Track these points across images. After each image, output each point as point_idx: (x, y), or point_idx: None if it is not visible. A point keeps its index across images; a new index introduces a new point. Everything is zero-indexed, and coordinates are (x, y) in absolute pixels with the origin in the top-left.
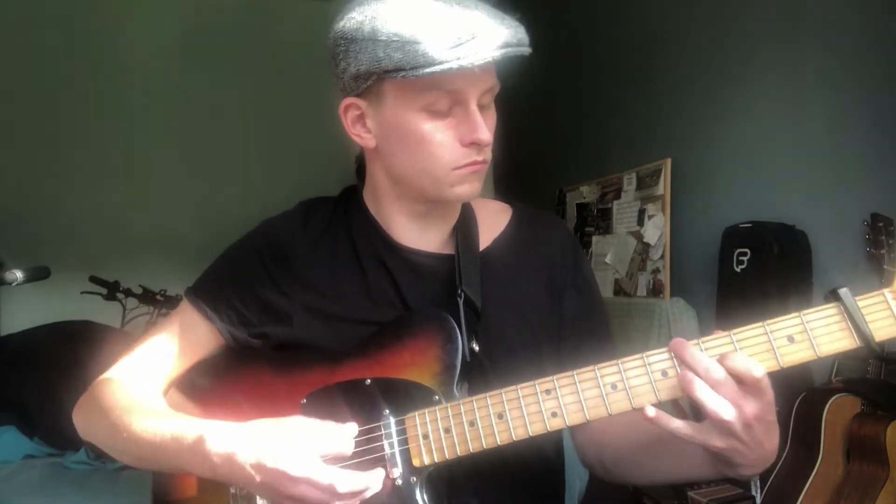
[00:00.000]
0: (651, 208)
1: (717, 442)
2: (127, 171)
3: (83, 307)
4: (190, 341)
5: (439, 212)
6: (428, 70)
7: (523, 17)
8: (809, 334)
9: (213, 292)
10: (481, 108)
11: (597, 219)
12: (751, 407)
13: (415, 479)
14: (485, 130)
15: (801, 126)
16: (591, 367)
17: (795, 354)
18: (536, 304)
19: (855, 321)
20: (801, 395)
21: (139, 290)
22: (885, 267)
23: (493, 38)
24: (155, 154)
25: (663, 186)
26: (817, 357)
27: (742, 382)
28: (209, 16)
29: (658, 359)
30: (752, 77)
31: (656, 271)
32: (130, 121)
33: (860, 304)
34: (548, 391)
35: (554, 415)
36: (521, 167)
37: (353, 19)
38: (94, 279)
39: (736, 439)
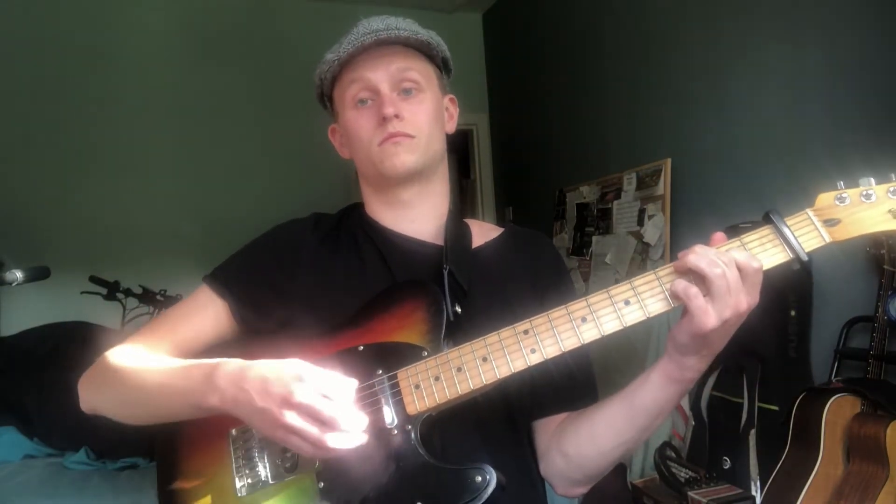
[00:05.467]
0: (651, 208)
1: (711, 316)
2: (127, 171)
3: (83, 307)
4: (201, 317)
5: (416, 198)
6: (329, 71)
7: (525, 18)
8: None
9: (227, 274)
10: (405, 92)
11: (597, 219)
12: (746, 297)
13: (409, 426)
14: (387, 105)
15: (801, 125)
16: (562, 307)
17: None
18: (521, 299)
19: (785, 237)
20: (801, 395)
21: (139, 290)
22: (884, 267)
23: (361, 30)
24: (155, 154)
25: (663, 186)
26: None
27: (743, 272)
28: (210, 16)
29: (619, 290)
30: (752, 76)
31: None
32: (131, 121)
33: (788, 222)
34: (525, 331)
35: (532, 351)
36: (521, 167)
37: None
38: (94, 279)
39: (721, 306)
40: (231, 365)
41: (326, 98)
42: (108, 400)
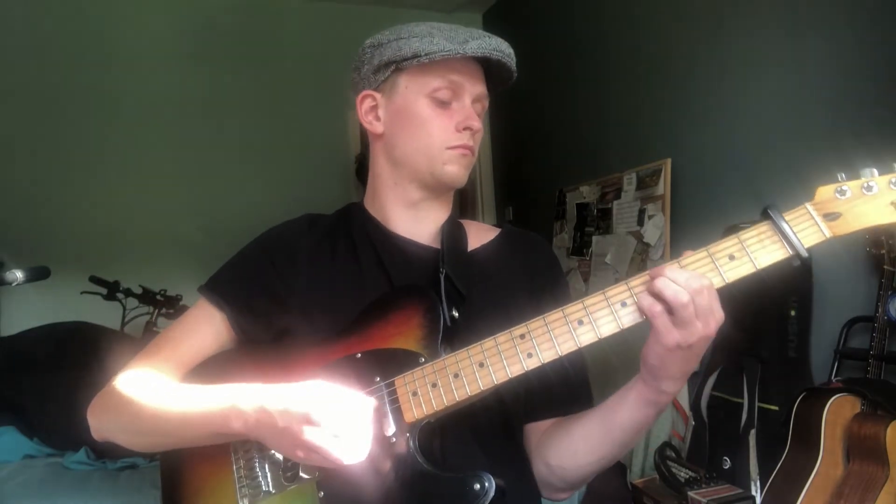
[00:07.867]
0: (651, 208)
1: (674, 334)
2: (127, 171)
3: (83, 307)
4: (201, 332)
5: (431, 202)
6: (440, 54)
7: (525, 18)
8: (747, 251)
9: (223, 284)
10: (477, 112)
11: (597, 219)
12: (714, 320)
13: (408, 434)
14: (475, 119)
15: (802, 125)
16: (558, 310)
17: (737, 270)
18: (517, 303)
19: (784, 233)
20: (801, 395)
21: (139, 290)
22: (885, 267)
23: (491, 43)
24: (155, 154)
25: (663, 186)
26: (756, 269)
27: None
28: (210, 16)
29: (616, 292)
30: (752, 76)
31: None
32: (131, 121)
33: (787, 218)
34: (522, 335)
35: (529, 355)
36: (521, 167)
37: (383, 33)
38: (94, 279)
39: (686, 332)
40: (252, 389)
41: (385, 66)
42: (123, 430)
